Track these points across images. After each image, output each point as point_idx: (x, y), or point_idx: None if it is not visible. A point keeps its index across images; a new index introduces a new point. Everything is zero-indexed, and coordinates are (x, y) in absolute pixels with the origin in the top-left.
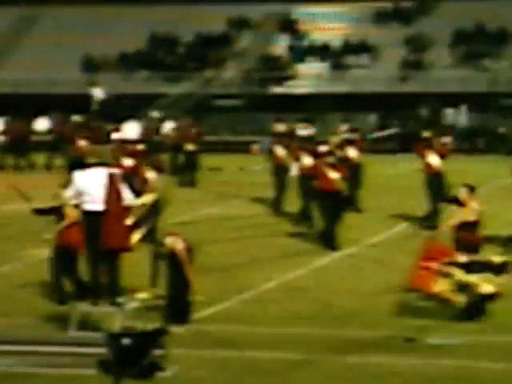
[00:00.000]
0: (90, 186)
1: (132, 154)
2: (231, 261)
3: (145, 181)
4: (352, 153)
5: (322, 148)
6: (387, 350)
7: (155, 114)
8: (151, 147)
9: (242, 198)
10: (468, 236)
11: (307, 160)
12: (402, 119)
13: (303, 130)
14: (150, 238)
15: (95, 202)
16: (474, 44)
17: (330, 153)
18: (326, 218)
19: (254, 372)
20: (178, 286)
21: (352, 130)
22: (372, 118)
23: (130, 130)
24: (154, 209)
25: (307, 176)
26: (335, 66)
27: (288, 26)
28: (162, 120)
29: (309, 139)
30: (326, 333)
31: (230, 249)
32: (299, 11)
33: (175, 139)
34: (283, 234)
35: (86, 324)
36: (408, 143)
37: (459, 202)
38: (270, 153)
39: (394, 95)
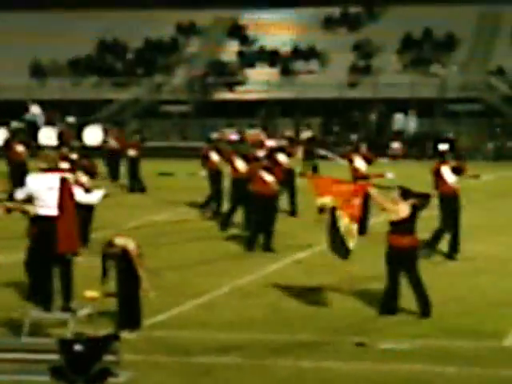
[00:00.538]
0: (42, 191)
1: (66, 159)
2: (183, 267)
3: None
4: (282, 158)
5: (259, 153)
6: (338, 355)
7: (71, 119)
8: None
9: (192, 203)
10: (393, 238)
11: (240, 164)
12: (352, 125)
13: (234, 135)
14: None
15: (46, 206)
16: (422, 49)
17: (266, 157)
18: (257, 220)
19: (206, 377)
20: (130, 285)
21: (283, 137)
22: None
23: (47, 135)
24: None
25: (241, 180)
26: (284, 72)
27: (237, 31)
28: (79, 125)
29: (241, 143)
30: (278, 337)
31: (180, 255)
32: (248, 17)
33: (117, 145)
34: (232, 239)
35: (38, 330)
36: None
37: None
38: (205, 158)
39: (342, 101)
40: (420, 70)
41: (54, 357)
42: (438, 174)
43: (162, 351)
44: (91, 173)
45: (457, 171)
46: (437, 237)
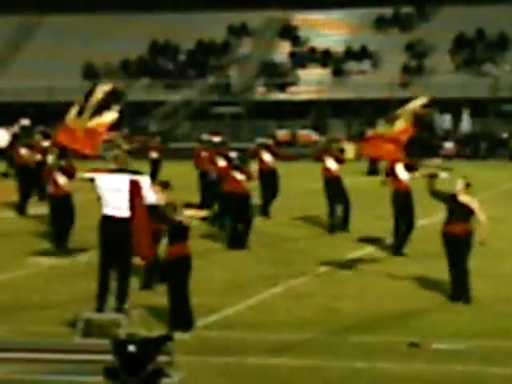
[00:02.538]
0: (108, 191)
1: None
2: (234, 267)
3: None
4: (267, 157)
5: (232, 154)
6: (393, 355)
7: (25, 121)
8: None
9: None
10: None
11: (223, 164)
12: None
13: (216, 137)
14: None
15: (111, 207)
16: (475, 49)
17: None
18: (233, 219)
19: (259, 378)
20: (182, 286)
21: (267, 136)
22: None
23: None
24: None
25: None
26: (336, 72)
27: (288, 32)
28: (31, 128)
29: (222, 144)
30: (332, 338)
31: (231, 256)
32: (299, 17)
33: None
34: (284, 239)
35: (92, 331)
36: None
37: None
38: (197, 158)
39: (395, 101)
40: (473, 70)
41: (108, 357)
42: (391, 172)
43: (215, 352)
44: (69, 174)
45: (409, 168)
46: (396, 235)
